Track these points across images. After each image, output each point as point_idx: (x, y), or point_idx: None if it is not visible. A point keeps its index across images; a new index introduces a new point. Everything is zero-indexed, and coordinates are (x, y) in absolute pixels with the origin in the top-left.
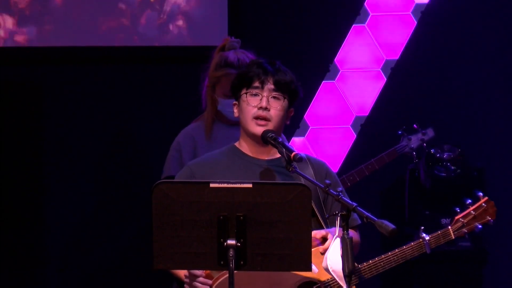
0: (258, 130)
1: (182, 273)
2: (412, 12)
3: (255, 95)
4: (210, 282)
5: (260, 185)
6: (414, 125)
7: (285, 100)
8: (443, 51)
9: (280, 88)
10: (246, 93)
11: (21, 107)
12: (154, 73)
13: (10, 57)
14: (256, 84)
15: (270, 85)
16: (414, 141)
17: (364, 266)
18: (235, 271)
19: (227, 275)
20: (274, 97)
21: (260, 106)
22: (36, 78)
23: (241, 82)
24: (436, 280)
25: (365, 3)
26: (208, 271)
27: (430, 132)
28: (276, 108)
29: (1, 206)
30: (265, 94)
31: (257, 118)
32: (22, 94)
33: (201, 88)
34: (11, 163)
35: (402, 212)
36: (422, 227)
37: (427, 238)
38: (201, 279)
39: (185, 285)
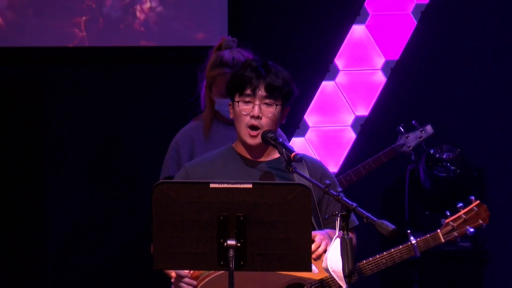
0: (250, 141)
1: (173, 274)
2: (412, 12)
3: (248, 102)
4: (194, 282)
5: (260, 186)
6: (413, 122)
7: (278, 106)
8: (443, 51)
9: (272, 94)
10: (238, 101)
11: (21, 107)
12: (154, 73)
13: (10, 57)
14: (248, 91)
15: (262, 92)
16: (412, 139)
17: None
18: (220, 273)
19: (212, 276)
20: (266, 104)
21: (252, 115)
22: (36, 78)
23: (234, 86)
24: (436, 280)
25: (365, 3)
26: (195, 273)
27: (429, 129)
28: (267, 116)
29: (0, 206)
30: (257, 102)
31: (250, 127)
32: (22, 94)
33: (200, 88)
34: (10, 163)
35: (402, 213)
36: (409, 230)
37: (414, 241)
38: (186, 279)
39: (172, 286)
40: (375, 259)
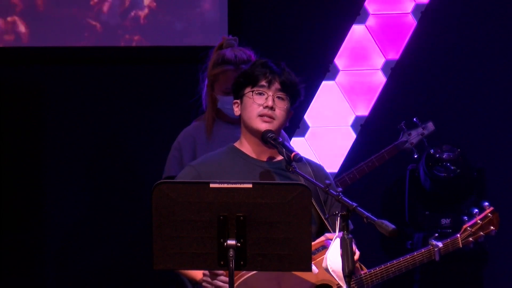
0: (264, 126)
1: (197, 273)
2: (412, 12)
3: (261, 94)
4: None
5: (260, 185)
6: (414, 119)
7: (289, 101)
8: (443, 51)
9: (286, 88)
10: (252, 91)
11: (21, 107)
12: (154, 74)
13: (10, 57)
14: (263, 83)
15: (276, 85)
16: (414, 136)
17: (377, 271)
18: (248, 276)
19: (249, 274)
20: (279, 97)
21: (266, 105)
22: (36, 78)
23: (246, 80)
24: (436, 280)
25: (365, 3)
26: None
27: (430, 126)
28: (281, 108)
29: (0, 206)
30: (271, 93)
31: (262, 116)
32: (21, 94)
33: (201, 88)
34: (10, 163)
35: (402, 213)
36: (436, 234)
37: (440, 245)
38: (222, 277)
39: (203, 284)
40: (399, 262)
